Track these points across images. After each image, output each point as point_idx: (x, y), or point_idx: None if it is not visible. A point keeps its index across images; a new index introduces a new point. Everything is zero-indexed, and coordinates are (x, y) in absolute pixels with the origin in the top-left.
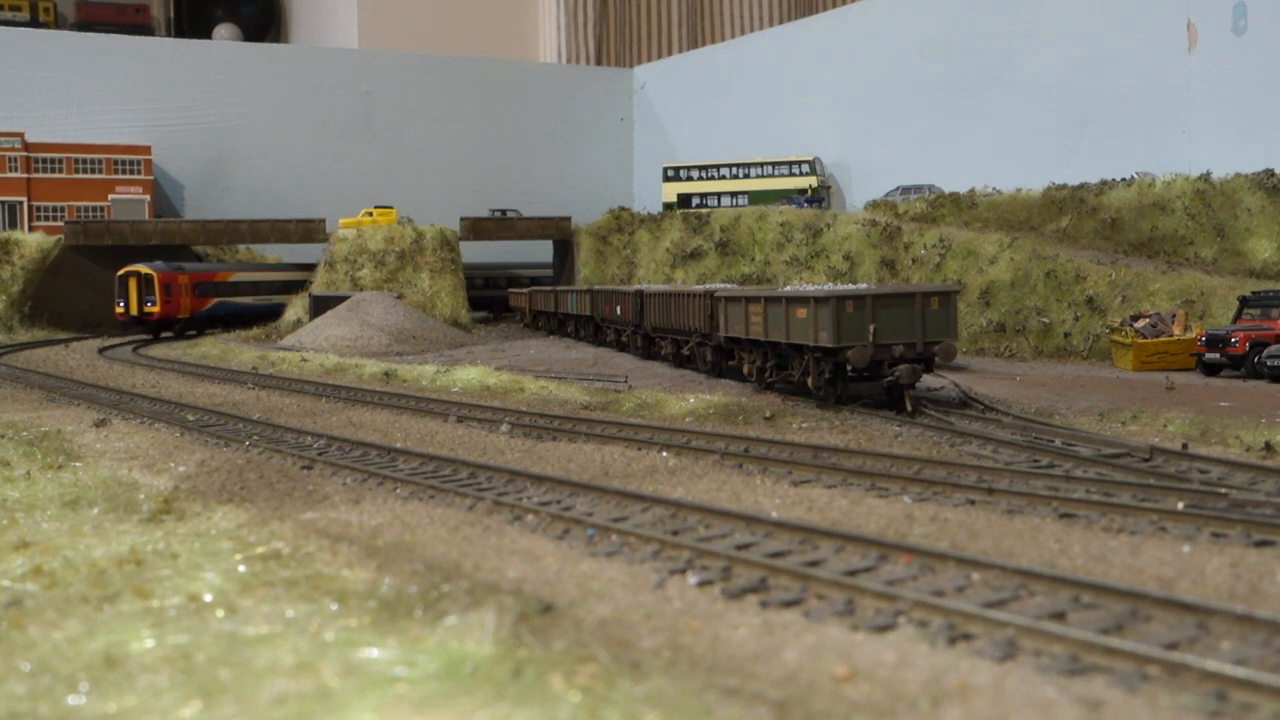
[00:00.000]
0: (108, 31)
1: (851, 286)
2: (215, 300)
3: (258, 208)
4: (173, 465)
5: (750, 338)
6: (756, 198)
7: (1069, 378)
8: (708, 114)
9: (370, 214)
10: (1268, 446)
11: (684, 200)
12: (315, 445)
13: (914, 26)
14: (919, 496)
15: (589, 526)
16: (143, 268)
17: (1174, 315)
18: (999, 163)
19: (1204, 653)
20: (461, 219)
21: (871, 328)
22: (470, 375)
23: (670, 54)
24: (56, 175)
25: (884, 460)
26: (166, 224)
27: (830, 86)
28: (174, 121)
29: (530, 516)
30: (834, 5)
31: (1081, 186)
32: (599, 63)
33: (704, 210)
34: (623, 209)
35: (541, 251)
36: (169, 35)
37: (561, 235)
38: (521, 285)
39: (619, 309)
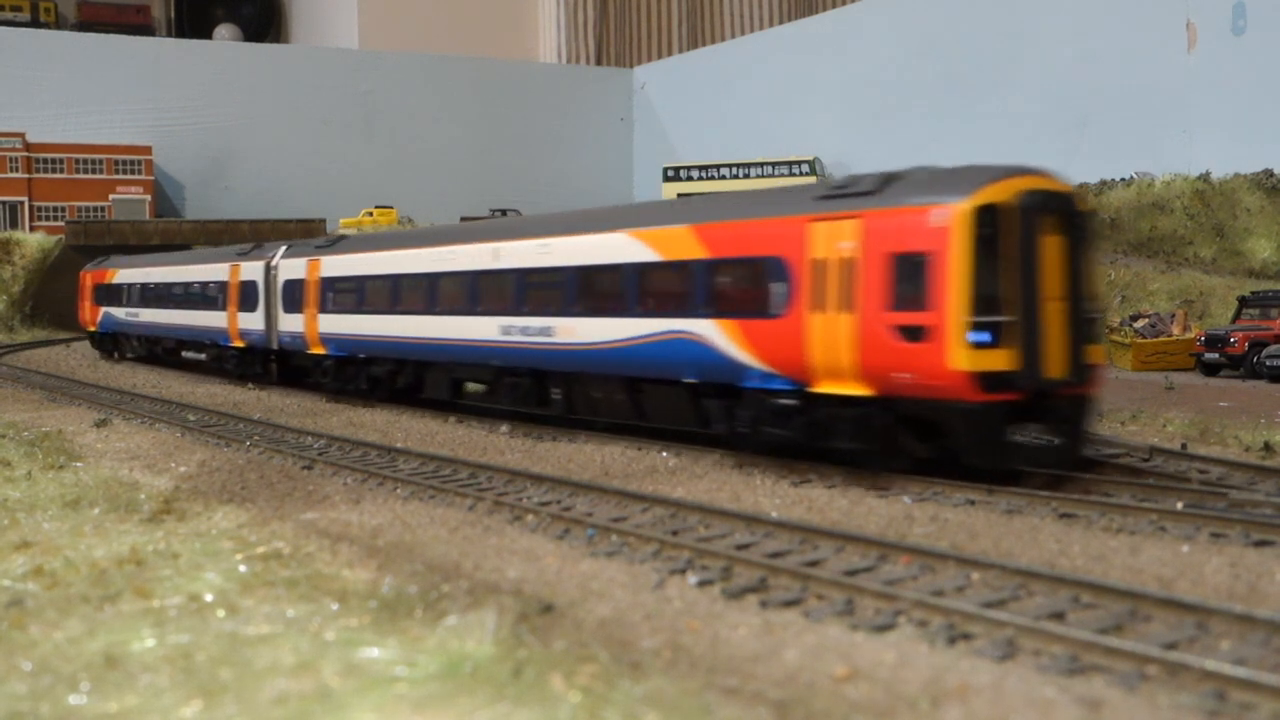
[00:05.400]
0: (108, 32)
1: None
2: None
3: (258, 207)
4: (173, 465)
5: None
6: None
7: None
8: (708, 114)
9: (370, 214)
10: (1267, 446)
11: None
12: (316, 445)
13: (914, 26)
14: (918, 496)
15: (589, 526)
16: None
17: (1173, 315)
18: (998, 163)
19: (1203, 652)
20: (462, 219)
21: None
22: None
23: (670, 54)
24: (57, 175)
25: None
26: (167, 224)
27: (830, 86)
28: (174, 121)
29: (530, 516)
30: (834, 5)
31: (1081, 186)
32: (599, 63)
33: None
34: None
35: None
36: (169, 35)
37: None
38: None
39: None
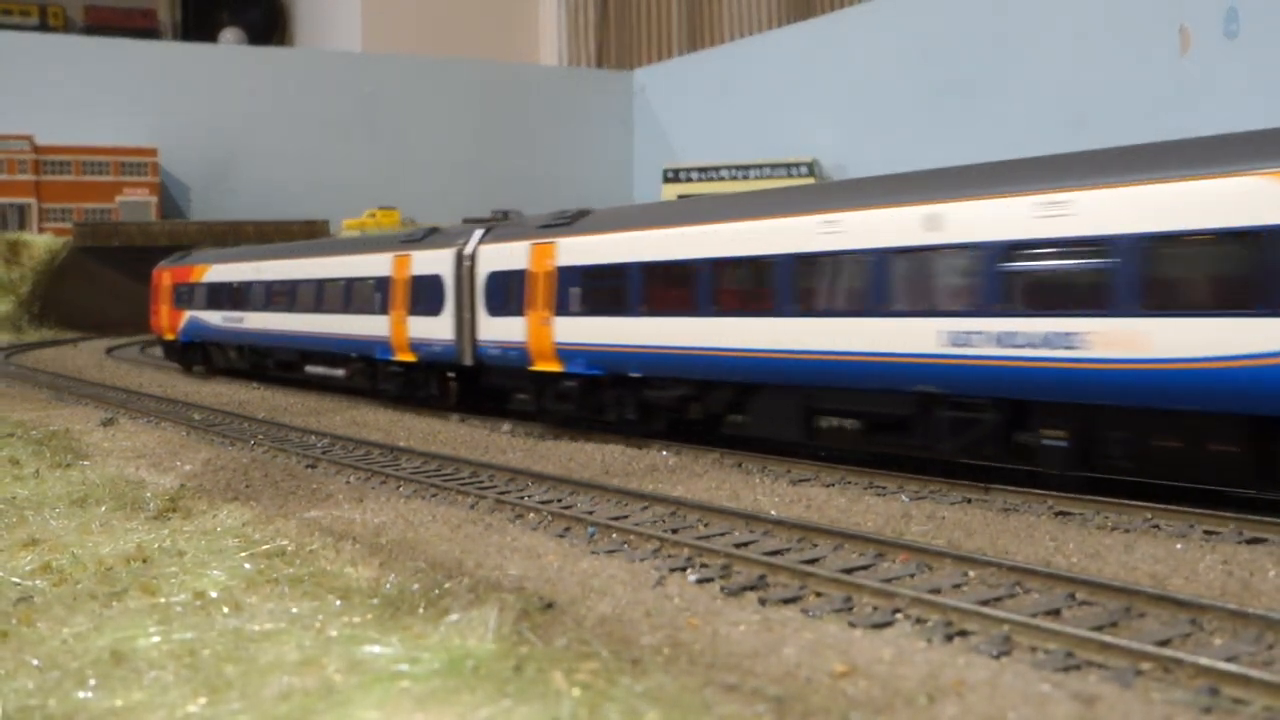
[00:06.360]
0: (115, 35)
1: None
2: None
3: (262, 209)
4: (179, 464)
5: None
6: None
7: None
8: (707, 116)
9: (373, 215)
10: None
11: None
12: (319, 444)
13: (912, 28)
14: (916, 495)
15: (590, 525)
16: None
17: None
18: None
19: (1196, 649)
20: (464, 220)
21: None
22: None
23: (670, 56)
24: (65, 177)
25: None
26: (172, 225)
27: (829, 88)
28: (180, 124)
29: (531, 515)
30: (833, 7)
31: None
32: (599, 65)
33: None
34: None
35: None
36: (175, 39)
37: None
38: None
39: None
